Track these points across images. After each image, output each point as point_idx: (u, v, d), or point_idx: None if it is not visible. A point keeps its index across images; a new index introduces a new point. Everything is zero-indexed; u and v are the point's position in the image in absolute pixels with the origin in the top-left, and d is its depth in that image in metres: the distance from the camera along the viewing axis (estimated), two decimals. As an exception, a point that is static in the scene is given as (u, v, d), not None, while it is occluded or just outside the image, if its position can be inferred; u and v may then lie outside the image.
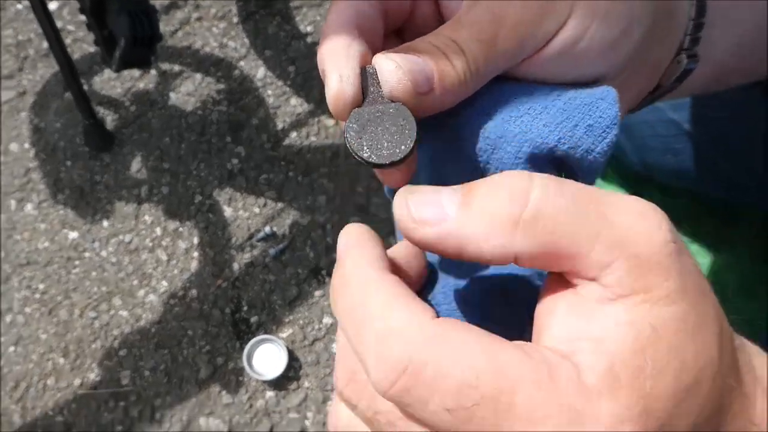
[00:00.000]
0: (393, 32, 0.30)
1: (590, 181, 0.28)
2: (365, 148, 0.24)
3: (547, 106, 0.26)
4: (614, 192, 0.22)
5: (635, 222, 0.20)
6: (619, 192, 0.81)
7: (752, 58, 0.37)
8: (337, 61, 0.25)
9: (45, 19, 0.97)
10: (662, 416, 0.19)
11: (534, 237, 0.20)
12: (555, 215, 0.20)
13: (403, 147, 0.24)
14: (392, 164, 0.24)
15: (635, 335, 0.19)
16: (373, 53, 0.26)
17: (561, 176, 0.24)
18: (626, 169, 0.79)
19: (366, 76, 0.25)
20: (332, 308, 0.22)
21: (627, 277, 0.19)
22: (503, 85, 0.27)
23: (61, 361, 1.11)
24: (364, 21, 0.26)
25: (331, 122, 1.25)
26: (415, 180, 0.28)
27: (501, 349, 0.19)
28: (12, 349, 1.12)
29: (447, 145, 0.27)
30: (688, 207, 0.76)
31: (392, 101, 0.25)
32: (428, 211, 0.21)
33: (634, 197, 0.21)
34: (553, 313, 0.21)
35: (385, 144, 0.24)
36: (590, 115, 0.26)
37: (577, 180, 0.25)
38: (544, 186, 0.20)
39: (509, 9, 0.25)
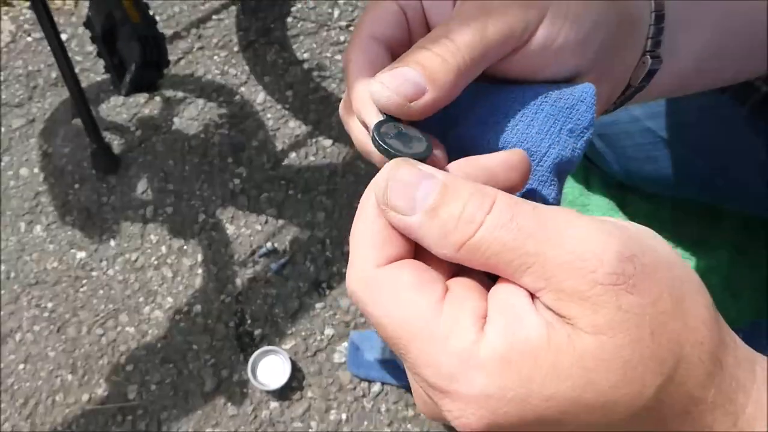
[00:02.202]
0: None
1: (564, 177, 0.30)
2: (390, 148, 0.26)
3: (537, 111, 0.29)
4: (574, 216, 0.23)
5: (574, 257, 0.22)
6: (600, 202, 0.83)
7: (713, 65, 0.40)
8: (356, 116, 0.30)
9: (58, 47, 1.02)
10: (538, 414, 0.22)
11: (473, 259, 0.23)
12: (494, 246, 0.23)
13: (420, 149, 0.26)
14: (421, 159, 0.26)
15: (549, 335, 0.22)
16: None
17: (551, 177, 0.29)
18: (610, 178, 0.81)
19: None
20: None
21: (553, 303, 0.22)
22: (495, 91, 0.30)
23: (69, 377, 1.14)
24: (376, 62, 0.30)
25: (328, 142, 1.30)
26: None
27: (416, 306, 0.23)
28: (21, 366, 1.15)
29: (452, 157, 0.29)
30: (670, 213, 0.79)
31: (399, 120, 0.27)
32: (400, 201, 0.24)
33: (595, 223, 0.23)
34: (503, 282, 0.24)
35: (402, 148, 0.26)
36: (570, 119, 0.29)
37: (552, 178, 0.29)
38: (497, 216, 0.23)
39: (494, 4, 0.28)
